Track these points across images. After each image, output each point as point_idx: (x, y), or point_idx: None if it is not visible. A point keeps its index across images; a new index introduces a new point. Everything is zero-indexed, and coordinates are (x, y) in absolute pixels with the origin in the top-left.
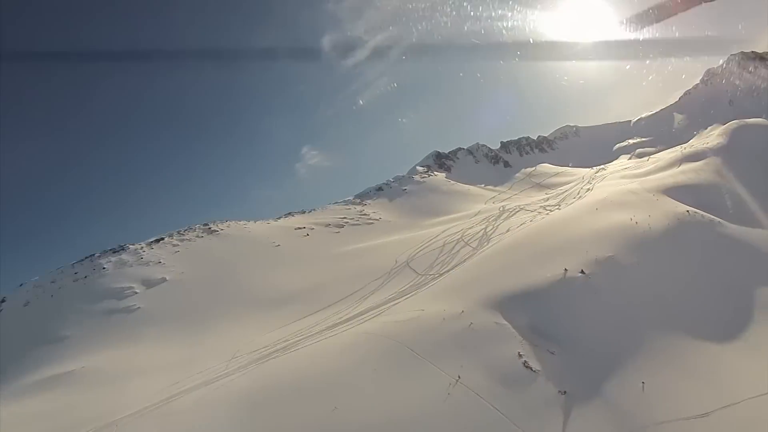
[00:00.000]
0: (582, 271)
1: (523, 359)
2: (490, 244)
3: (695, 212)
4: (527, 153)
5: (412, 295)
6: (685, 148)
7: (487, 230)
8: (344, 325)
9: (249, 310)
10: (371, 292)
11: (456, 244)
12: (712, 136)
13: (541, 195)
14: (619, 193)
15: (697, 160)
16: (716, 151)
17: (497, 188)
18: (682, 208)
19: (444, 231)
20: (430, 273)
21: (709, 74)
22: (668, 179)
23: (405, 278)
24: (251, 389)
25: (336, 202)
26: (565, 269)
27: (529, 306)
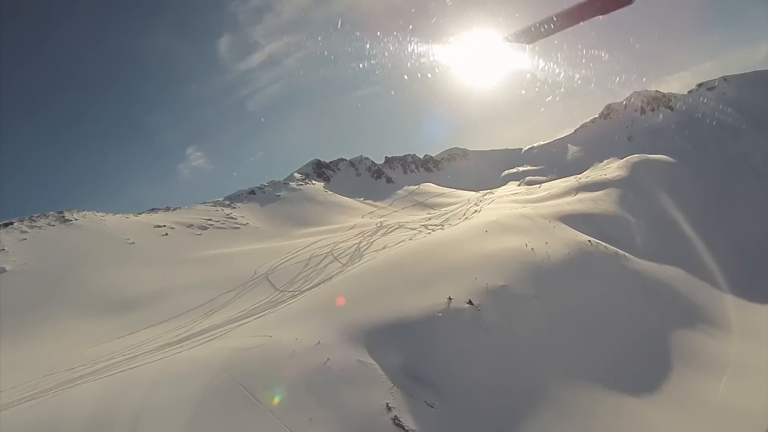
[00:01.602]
0: (470, 302)
1: (393, 413)
2: (361, 261)
3: (597, 243)
4: (412, 171)
5: (263, 315)
6: (580, 179)
7: (361, 246)
8: (179, 345)
9: (86, 314)
10: (220, 306)
11: (324, 258)
12: (610, 169)
13: (423, 214)
14: (511, 216)
15: (595, 191)
16: (616, 182)
17: (377, 203)
18: (583, 237)
19: (314, 243)
20: (290, 289)
21: (609, 109)
22: (565, 206)
23: (261, 293)
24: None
25: (204, 202)
26: (450, 298)
27: (404, 342)
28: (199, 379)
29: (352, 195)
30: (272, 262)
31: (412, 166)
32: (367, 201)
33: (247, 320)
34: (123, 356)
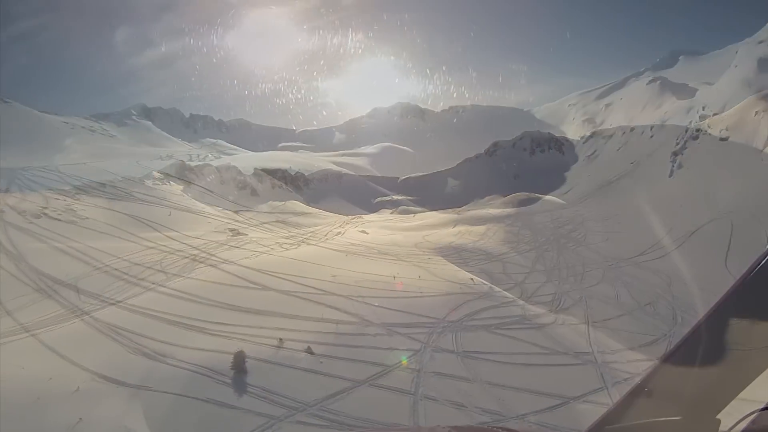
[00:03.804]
0: (309, 349)
1: None
2: (190, 275)
3: (483, 283)
4: (280, 187)
5: (45, 331)
6: (459, 212)
7: (197, 258)
8: None
9: None
10: (8, 312)
11: (149, 268)
12: (494, 204)
13: (283, 232)
14: (379, 242)
15: (477, 225)
16: (500, 218)
17: (236, 215)
18: (464, 274)
19: (149, 249)
20: (90, 302)
21: (496, 146)
22: (443, 238)
23: (55, 304)
24: None
25: (50, 189)
26: (280, 339)
27: (205, 397)
28: None
29: (211, 203)
30: (88, 268)
31: (282, 182)
32: (225, 211)
33: (21, 336)
34: None
